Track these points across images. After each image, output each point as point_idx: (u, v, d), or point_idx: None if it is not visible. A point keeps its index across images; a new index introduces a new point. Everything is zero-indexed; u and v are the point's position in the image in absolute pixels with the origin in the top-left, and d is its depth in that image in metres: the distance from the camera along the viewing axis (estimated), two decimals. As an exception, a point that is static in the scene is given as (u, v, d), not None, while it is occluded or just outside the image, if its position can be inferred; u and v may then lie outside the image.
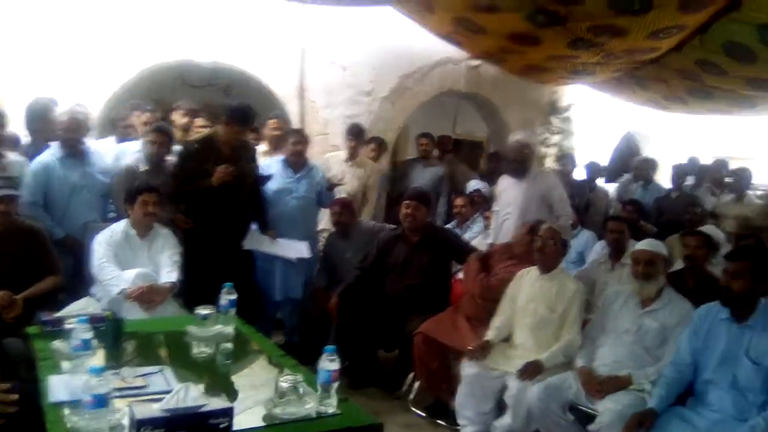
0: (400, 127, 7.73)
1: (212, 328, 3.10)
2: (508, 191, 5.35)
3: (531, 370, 3.59)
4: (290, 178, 5.31)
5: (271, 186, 5.24)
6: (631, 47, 5.25)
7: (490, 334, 4.00)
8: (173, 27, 6.08)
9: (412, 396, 4.43)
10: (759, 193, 7.20)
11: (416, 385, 4.42)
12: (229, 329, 3.18)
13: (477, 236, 5.75)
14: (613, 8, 4.43)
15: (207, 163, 4.62)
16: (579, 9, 4.54)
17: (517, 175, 5.26)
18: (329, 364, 2.37)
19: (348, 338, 4.59)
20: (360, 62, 7.00)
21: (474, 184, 6.51)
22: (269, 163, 5.40)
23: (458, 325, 4.31)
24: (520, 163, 5.24)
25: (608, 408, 3.24)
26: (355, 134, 6.15)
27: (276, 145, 5.72)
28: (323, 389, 2.38)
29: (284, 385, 2.34)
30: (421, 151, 6.97)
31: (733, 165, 7.00)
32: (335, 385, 2.39)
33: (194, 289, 4.26)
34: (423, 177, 6.73)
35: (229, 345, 3.12)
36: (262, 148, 5.96)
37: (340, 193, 5.72)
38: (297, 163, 5.34)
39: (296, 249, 4.91)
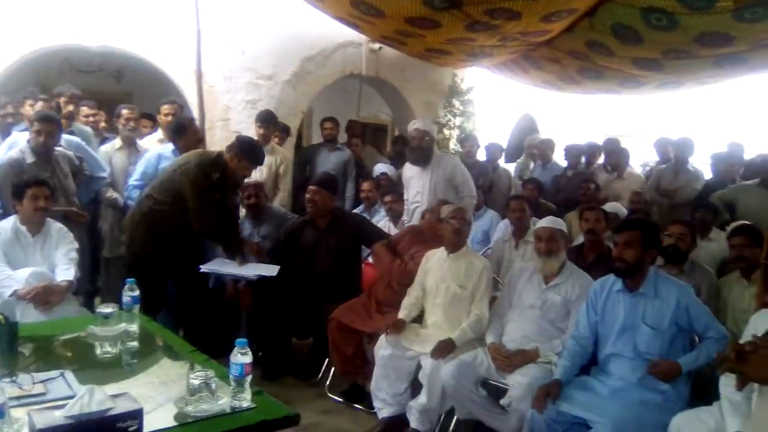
0: (304, 112, 7.63)
1: (116, 326, 2.95)
2: (415, 180, 5.43)
3: (443, 349, 3.66)
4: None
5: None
6: (526, 30, 5.39)
7: (402, 314, 4.05)
8: (58, 8, 5.71)
9: (328, 382, 4.43)
10: (647, 168, 7.65)
11: (332, 371, 4.41)
12: (134, 327, 3.04)
13: (383, 219, 5.79)
14: (507, -9, 4.54)
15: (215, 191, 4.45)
16: (475, -8, 4.62)
17: (421, 163, 5.34)
18: (241, 357, 2.31)
19: (260, 328, 4.53)
20: (259, 45, 6.82)
21: (380, 168, 6.53)
22: (164, 152, 5.12)
23: (371, 310, 4.33)
24: (422, 151, 5.32)
25: (518, 381, 3.37)
26: (266, 120, 5.99)
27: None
28: (236, 383, 2.31)
29: (195, 381, 2.25)
30: (326, 136, 6.89)
31: (623, 143, 7.33)
32: (248, 378, 2.33)
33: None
34: (329, 162, 6.68)
35: (135, 343, 2.98)
36: (157, 135, 5.73)
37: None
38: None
39: (264, 269, 4.61)
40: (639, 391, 3.08)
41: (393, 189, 5.86)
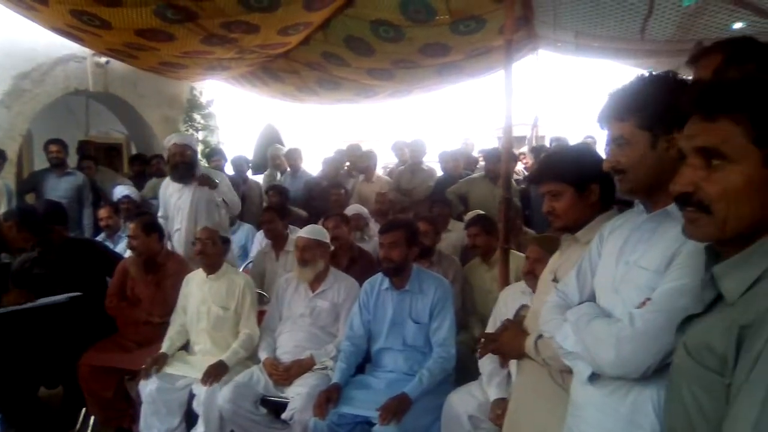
0: (22, 135, 6.76)
1: None
2: (174, 198, 5.02)
3: (214, 372, 3.53)
4: None
5: None
6: (264, 42, 5.43)
7: (164, 346, 3.81)
8: None
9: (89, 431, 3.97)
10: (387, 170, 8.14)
11: (92, 419, 3.97)
12: None
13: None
14: (243, 5, 4.51)
15: None
16: (210, 5, 4.50)
17: (185, 179, 4.94)
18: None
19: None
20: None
21: (121, 191, 6.03)
22: None
23: (128, 345, 3.99)
24: (186, 167, 4.92)
25: (297, 392, 3.37)
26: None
27: None
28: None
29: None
30: (52, 160, 6.16)
31: (364, 148, 7.71)
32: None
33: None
34: (59, 188, 6.00)
35: None
36: None
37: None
38: None
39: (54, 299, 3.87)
40: (409, 380, 3.24)
41: (139, 212, 5.45)
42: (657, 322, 1.41)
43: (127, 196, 5.87)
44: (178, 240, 4.87)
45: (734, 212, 1.10)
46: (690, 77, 1.89)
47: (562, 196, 2.02)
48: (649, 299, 1.47)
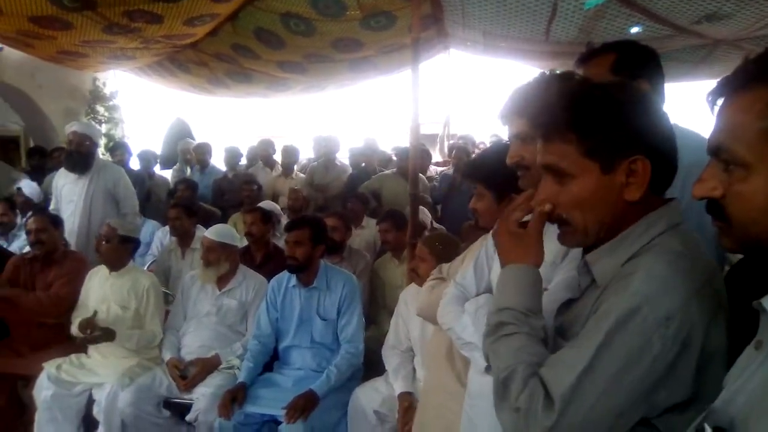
0: None
1: None
2: (68, 189, 4.82)
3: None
4: None
5: None
6: (169, 33, 5.26)
7: (74, 329, 3.60)
8: None
9: (-25, 444, 3.73)
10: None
11: (-19, 430, 3.73)
12: None
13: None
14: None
15: None
16: (110, -7, 4.33)
17: (78, 170, 4.75)
18: None
19: None
20: None
21: (17, 185, 5.68)
22: None
23: (21, 350, 3.77)
24: (81, 156, 4.73)
25: (202, 393, 3.29)
26: None
27: None
28: None
29: None
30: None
31: (277, 143, 7.60)
32: None
33: None
34: (-54, 183, 5.61)
35: None
36: None
37: None
38: None
39: None
40: (317, 377, 3.23)
41: (32, 207, 5.16)
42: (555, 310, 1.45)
43: (19, 189, 5.53)
44: (69, 234, 4.62)
45: (589, 219, 1.17)
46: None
47: (483, 198, 2.05)
48: (545, 289, 1.51)
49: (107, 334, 3.45)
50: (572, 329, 1.20)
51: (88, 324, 3.46)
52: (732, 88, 0.88)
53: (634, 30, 4.58)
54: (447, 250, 2.83)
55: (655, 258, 1.09)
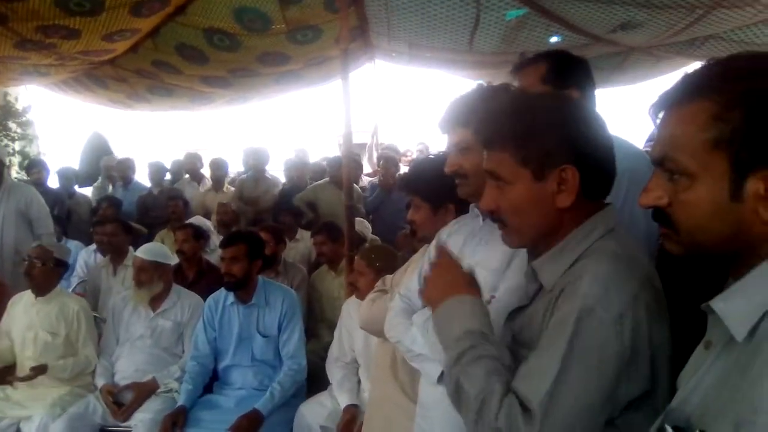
0: None
1: None
2: None
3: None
4: None
5: None
6: (87, 49, 5.09)
7: None
8: None
9: None
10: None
11: None
12: None
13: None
14: (62, 8, 4.19)
15: None
16: (23, 7, 4.14)
17: None
18: None
19: None
20: None
21: None
22: None
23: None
24: None
25: (141, 420, 3.20)
26: None
27: None
28: None
29: None
30: None
31: (204, 156, 7.44)
32: None
33: None
34: None
35: None
36: None
37: None
38: None
39: None
40: (260, 396, 3.19)
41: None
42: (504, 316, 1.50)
43: None
44: None
45: (524, 223, 1.26)
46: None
47: (420, 209, 2.09)
48: (493, 296, 1.56)
49: (39, 370, 3.31)
50: (526, 334, 1.26)
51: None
52: (674, 101, 0.92)
53: (553, 39, 4.78)
54: (385, 262, 2.87)
55: (597, 261, 1.16)
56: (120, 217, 5.45)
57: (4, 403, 3.34)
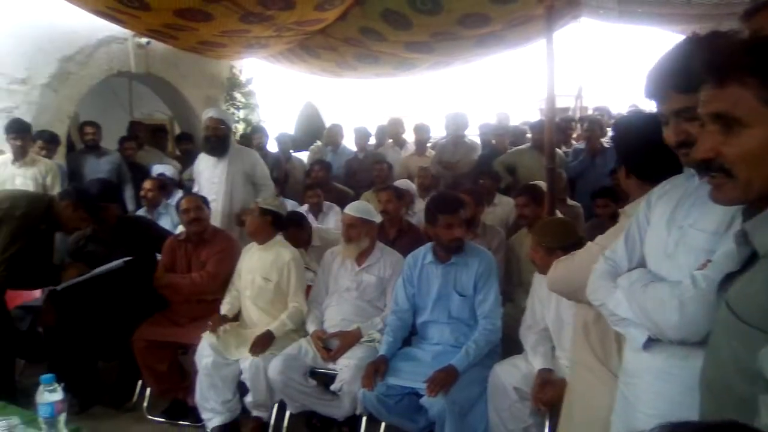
0: (70, 116, 6.91)
1: None
2: (208, 172, 5.12)
3: (261, 343, 3.61)
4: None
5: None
6: (301, 19, 5.43)
7: (223, 309, 3.93)
8: None
9: (146, 404, 4.09)
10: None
11: (148, 391, 4.10)
12: None
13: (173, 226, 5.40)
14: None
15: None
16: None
17: (216, 153, 5.05)
18: (49, 395, 2.04)
19: (64, 351, 4.05)
20: (6, 47, 6.03)
21: (157, 169, 6.10)
22: None
23: (181, 320, 4.09)
24: (218, 140, 5.03)
25: (345, 364, 3.43)
26: (17, 131, 5.33)
27: None
28: (48, 425, 2.05)
29: (-6, 435, 1.97)
30: (88, 141, 6.24)
31: (407, 122, 7.66)
32: (62, 416, 2.08)
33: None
34: (100, 169, 6.07)
35: None
36: None
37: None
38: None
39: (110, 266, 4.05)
40: (455, 352, 3.26)
41: (180, 187, 5.57)
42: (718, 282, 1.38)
43: (161, 174, 5.95)
44: (213, 215, 4.90)
45: (756, 174, 1.09)
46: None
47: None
48: (709, 261, 1.44)
49: (266, 339, 3.67)
50: (742, 307, 1.10)
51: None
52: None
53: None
54: (553, 238, 2.78)
55: None
56: (329, 180, 5.88)
57: (234, 343, 3.75)
